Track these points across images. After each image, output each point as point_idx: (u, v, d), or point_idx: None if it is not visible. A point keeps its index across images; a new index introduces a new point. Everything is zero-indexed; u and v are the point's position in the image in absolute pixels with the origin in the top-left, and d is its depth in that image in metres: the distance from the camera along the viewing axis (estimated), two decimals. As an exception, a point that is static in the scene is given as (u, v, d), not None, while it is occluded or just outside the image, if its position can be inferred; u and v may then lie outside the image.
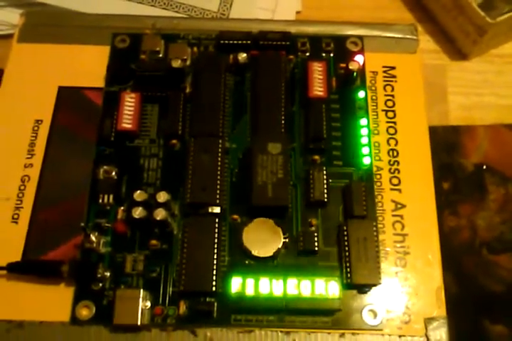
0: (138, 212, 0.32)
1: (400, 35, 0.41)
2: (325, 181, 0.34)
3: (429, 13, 0.49)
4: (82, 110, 0.38)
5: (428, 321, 0.32)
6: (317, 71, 0.38)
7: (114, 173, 0.35)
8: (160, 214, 0.32)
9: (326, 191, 0.34)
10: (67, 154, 0.36)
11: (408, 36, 0.41)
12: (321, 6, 0.49)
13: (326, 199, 0.34)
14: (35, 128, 0.37)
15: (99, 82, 0.38)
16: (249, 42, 0.39)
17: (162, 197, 0.33)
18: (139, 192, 0.33)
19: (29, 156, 0.36)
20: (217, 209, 0.34)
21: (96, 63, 0.39)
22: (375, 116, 0.38)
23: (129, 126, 0.36)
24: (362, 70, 0.39)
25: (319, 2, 0.49)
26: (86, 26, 0.40)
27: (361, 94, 0.38)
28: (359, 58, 0.39)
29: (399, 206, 0.35)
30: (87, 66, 0.39)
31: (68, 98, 0.38)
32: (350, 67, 0.38)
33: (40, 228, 0.34)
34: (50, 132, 0.37)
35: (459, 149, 0.43)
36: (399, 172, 0.36)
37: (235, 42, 0.39)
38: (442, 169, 0.42)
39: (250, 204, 0.34)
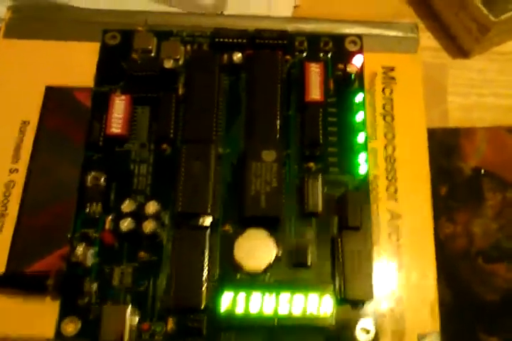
0: (126, 224, 0.31)
1: (400, 34, 0.39)
2: (319, 192, 0.33)
3: (430, 9, 0.47)
4: (70, 111, 0.36)
5: (421, 336, 0.32)
6: (314, 73, 0.36)
7: (102, 180, 0.34)
8: (148, 226, 0.31)
9: (320, 202, 0.33)
10: (54, 158, 0.35)
11: (409, 35, 0.39)
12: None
13: (320, 211, 0.33)
14: (22, 129, 0.36)
15: (89, 80, 0.37)
16: (244, 40, 0.38)
17: (151, 208, 0.32)
18: (127, 202, 0.32)
19: (15, 161, 0.35)
20: (208, 219, 0.32)
21: (85, 61, 0.37)
22: (373, 121, 0.37)
23: (118, 130, 0.34)
24: (360, 73, 0.38)
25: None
26: (76, 21, 0.39)
27: (359, 97, 0.37)
28: (358, 58, 0.38)
29: (395, 216, 0.34)
30: (76, 64, 0.37)
31: (56, 98, 0.36)
32: (348, 70, 0.36)
33: (24, 237, 0.33)
34: (37, 134, 0.35)
35: (458, 152, 0.42)
36: (396, 180, 0.35)
37: (230, 40, 0.38)
38: (440, 173, 0.41)
39: (243, 215, 0.33)
